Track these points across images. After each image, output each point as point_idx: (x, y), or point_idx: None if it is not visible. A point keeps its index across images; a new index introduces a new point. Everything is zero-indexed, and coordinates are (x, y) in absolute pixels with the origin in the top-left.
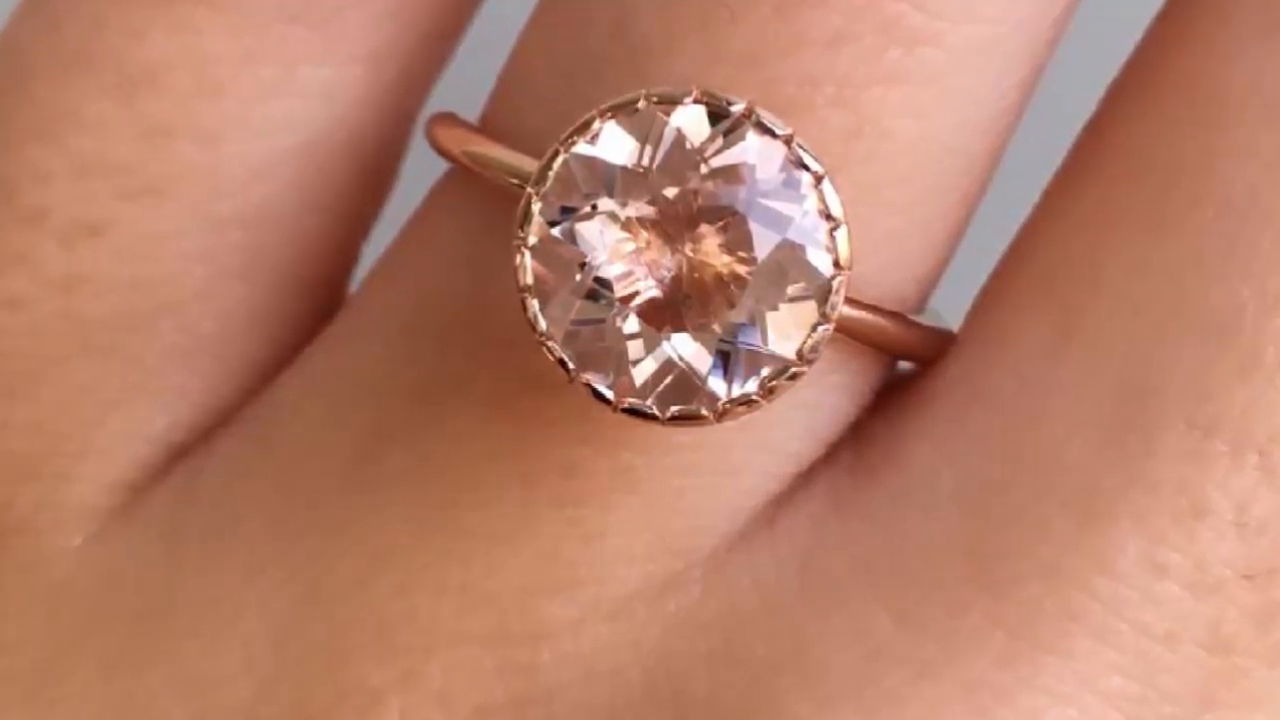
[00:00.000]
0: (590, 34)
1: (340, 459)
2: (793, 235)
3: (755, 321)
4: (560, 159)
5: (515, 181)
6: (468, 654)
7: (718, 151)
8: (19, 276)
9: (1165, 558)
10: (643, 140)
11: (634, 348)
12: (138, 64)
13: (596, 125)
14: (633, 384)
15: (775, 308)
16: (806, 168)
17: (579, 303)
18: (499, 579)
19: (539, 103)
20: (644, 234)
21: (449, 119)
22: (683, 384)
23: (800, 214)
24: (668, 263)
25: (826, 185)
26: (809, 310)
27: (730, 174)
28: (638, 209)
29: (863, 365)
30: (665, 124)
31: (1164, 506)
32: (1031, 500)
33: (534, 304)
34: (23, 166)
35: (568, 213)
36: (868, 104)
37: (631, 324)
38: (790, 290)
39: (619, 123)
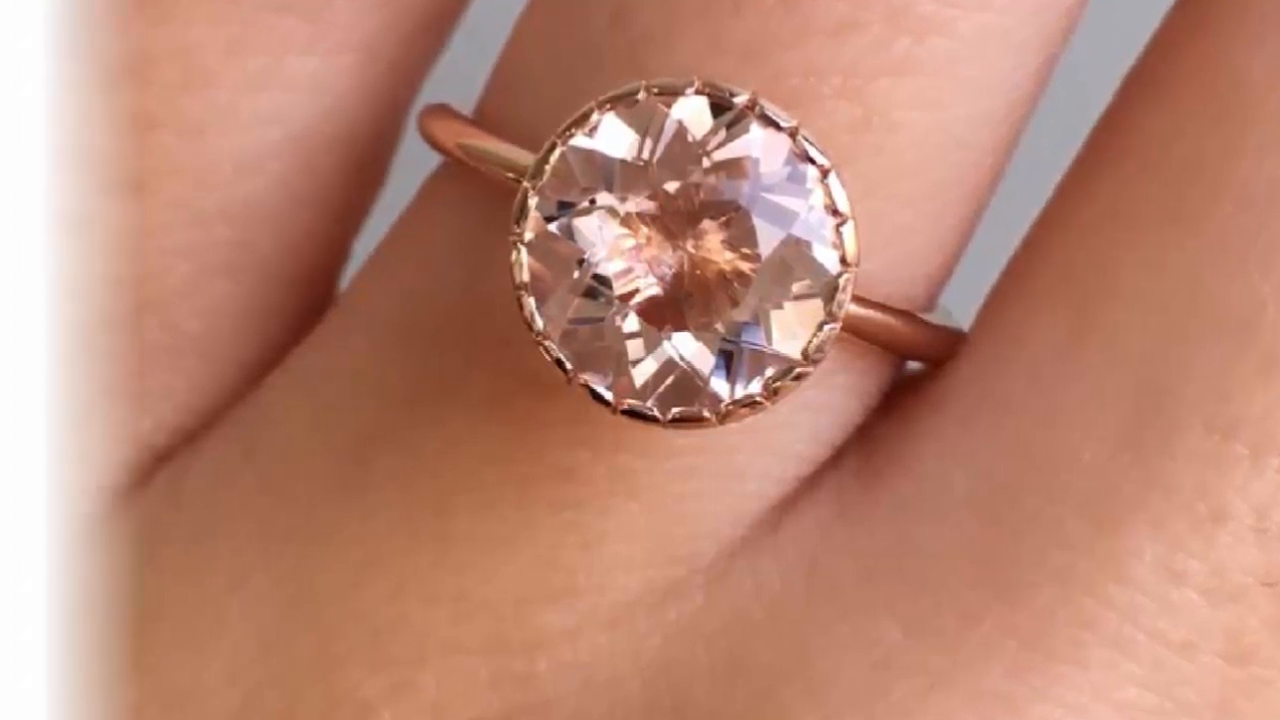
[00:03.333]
0: (589, 23)
1: (330, 461)
2: (798, 231)
3: (759, 320)
4: (558, 152)
5: (511, 175)
6: (462, 663)
7: (720, 144)
8: None
9: (1183, 564)
10: (643, 133)
11: (634, 347)
12: (120, 54)
13: (595, 117)
14: (632, 385)
15: (780, 306)
16: (812, 161)
17: (577, 300)
18: (494, 586)
19: (536, 94)
20: (644, 230)
21: (443, 111)
22: (684, 385)
23: (806, 209)
24: (668, 259)
25: (833, 179)
26: (814, 309)
27: (733, 168)
28: (638, 204)
29: (870, 365)
30: (666, 116)
31: (1182, 511)
32: (1045, 504)
33: (530, 302)
34: None
35: (565, 208)
36: (876, 95)
37: (631, 323)
38: (795, 288)
39: (618, 115)
